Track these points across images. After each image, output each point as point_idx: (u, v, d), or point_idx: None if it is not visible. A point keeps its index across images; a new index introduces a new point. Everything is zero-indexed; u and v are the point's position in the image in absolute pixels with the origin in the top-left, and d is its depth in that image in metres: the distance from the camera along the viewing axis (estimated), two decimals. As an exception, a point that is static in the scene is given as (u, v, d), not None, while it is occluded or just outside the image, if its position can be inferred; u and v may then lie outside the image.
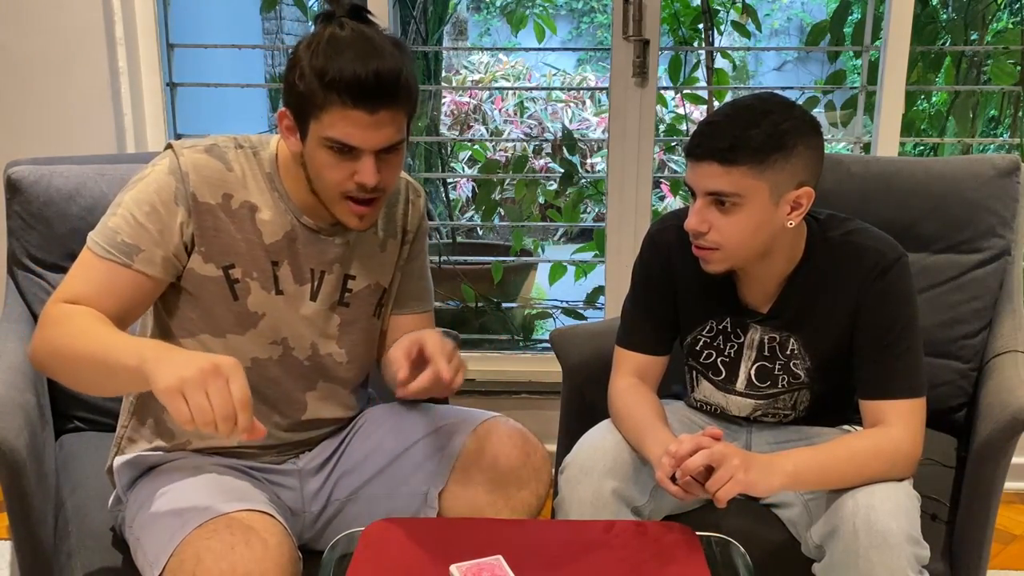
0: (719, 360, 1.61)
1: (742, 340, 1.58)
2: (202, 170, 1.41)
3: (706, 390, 1.64)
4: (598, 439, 1.58)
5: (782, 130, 1.38)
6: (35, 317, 1.81)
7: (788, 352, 1.55)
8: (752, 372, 1.59)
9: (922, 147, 3.46)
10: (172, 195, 1.39)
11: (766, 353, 1.57)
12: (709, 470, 1.35)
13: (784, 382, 1.58)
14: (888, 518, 1.35)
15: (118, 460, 1.49)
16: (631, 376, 1.63)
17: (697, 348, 1.62)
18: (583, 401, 1.87)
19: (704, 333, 1.61)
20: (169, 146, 1.44)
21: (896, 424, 1.45)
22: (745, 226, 1.41)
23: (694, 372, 1.65)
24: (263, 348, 1.47)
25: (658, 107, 2.62)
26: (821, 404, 1.61)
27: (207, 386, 1.14)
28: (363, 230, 1.46)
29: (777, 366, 1.57)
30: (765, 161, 1.37)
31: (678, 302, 1.62)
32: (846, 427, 1.63)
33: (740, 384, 1.60)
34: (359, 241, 1.52)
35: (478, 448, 1.49)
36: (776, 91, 1.50)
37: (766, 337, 1.56)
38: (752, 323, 1.56)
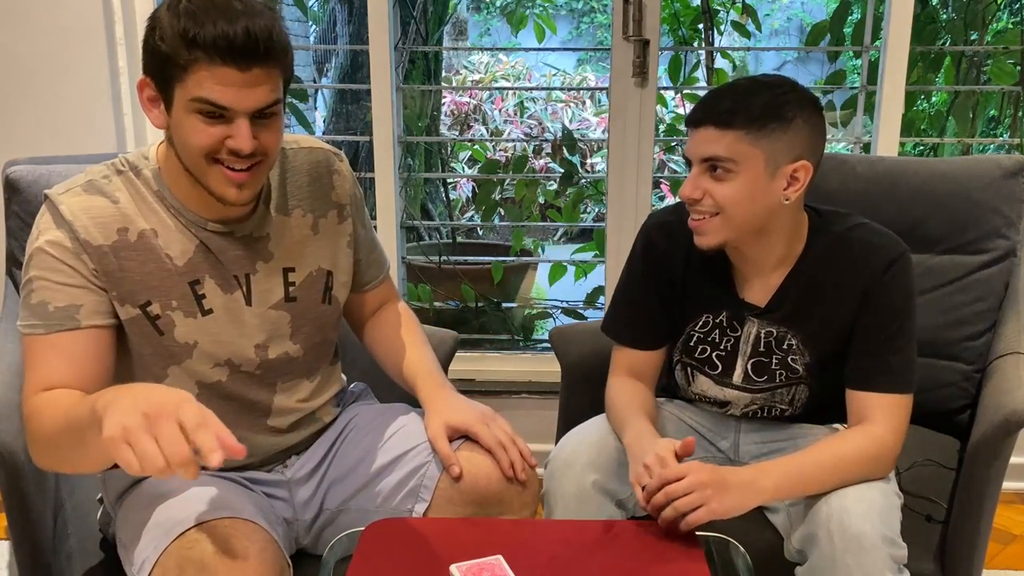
0: (714, 355, 1.60)
1: (739, 334, 1.57)
2: (87, 212, 1.32)
3: (703, 384, 1.64)
4: (583, 433, 1.59)
5: (782, 101, 1.39)
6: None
7: (785, 347, 1.55)
8: (749, 366, 1.58)
9: (922, 147, 3.46)
10: (69, 247, 1.31)
11: (762, 348, 1.56)
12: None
13: (782, 377, 1.57)
14: (861, 521, 1.34)
15: (107, 474, 1.47)
16: (625, 371, 1.64)
17: (691, 344, 1.62)
18: (582, 400, 1.87)
19: (698, 328, 1.60)
20: (46, 197, 1.35)
21: (881, 421, 1.45)
22: (740, 193, 1.41)
23: (688, 368, 1.65)
24: (205, 373, 1.40)
25: (658, 107, 2.62)
26: (818, 402, 1.60)
27: (155, 431, 1.03)
28: (245, 202, 1.33)
29: (774, 361, 1.56)
30: (763, 128, 1.38)
31: (673, 297, 1.62)
32: (836, 425, 1.62)
33: (737, 378, 1.60)
34: (285, 229, 1.44)
35: (461, 468, 1.45)
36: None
37: (763, 332, 1.56)
38: (750, 317, 1.56)
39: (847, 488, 1.39)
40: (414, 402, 1.62)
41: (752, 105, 1.38)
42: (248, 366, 1.44)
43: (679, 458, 1.39)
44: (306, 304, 1.47)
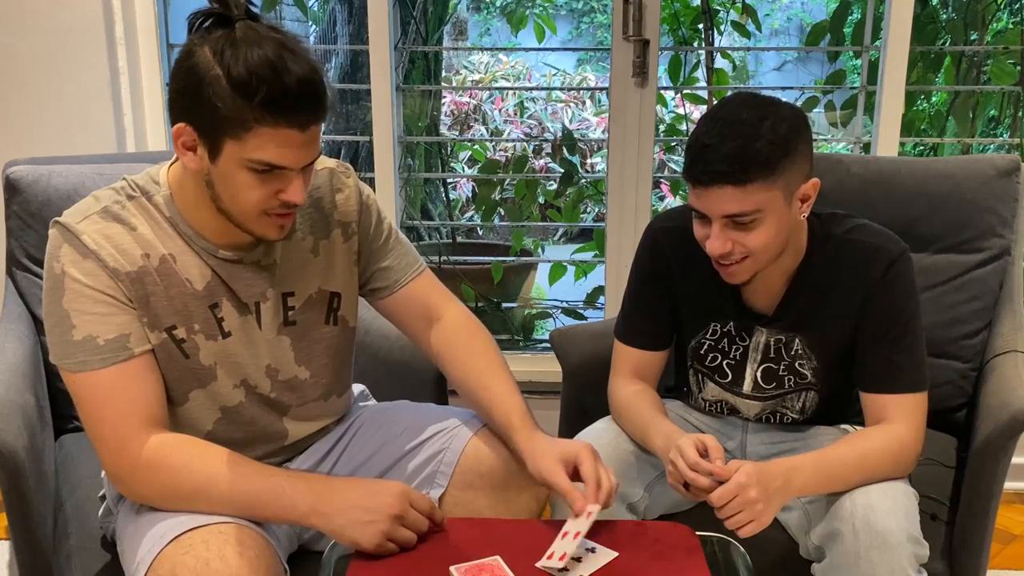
0: (724, 363, 1.60)
1: (747, 343, 1.58)
2: (109, 240, 1.30)
3: (714, 391, 1.64)
4: (592, 436, 1.59)
5: (783, 135, 1.36)
6: (34, 317, 1.81)
7: (793, 352, 1.55)
8: (758, 375, 1.58)
9: (922, 147, 3.46)
10: (103, 277, 1.29)
11: (772, 355, 1.57)
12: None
13: (790, 383, 1.57)
14: (887, 517, 1.35)
15: None
16: (630, 372, 1.64)
17: (701, 352, 1.62)
18: (583, 401, 1.87)
19: (708, 336, 1.61)
20: (57, 225, 1.31)
21: (900, 420, 1.45)
22: (769, 235, 1.41)
23: (700, 375, 1.65)
24: (228, 395, 1.41)
25: (658, 107, 2.62)
26: (827, 405, 1.60)
27: (404, 521, 1.30)
28: (283, 237, 1.35)
29: (782, 367, 1.57)
30: (776, 169, 1.36)
31: (679, 303, 1.62)
32: (844, 426, 1.63)
33: (747, 387, 1.60)
34: (285, 257, 1.41)
35: (477, 453, 1.47)
36: (753, 90, 1.51)
37: (772, 339, 1.56)
38: (758, 326, 1.56)
39: (870, 486, 1.40)
40: (414, 400, 1.63)
41: (760, 152, 1.35)
42: (263, 388, 1.44)
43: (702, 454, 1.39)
44: (306, 327, 1.46)
